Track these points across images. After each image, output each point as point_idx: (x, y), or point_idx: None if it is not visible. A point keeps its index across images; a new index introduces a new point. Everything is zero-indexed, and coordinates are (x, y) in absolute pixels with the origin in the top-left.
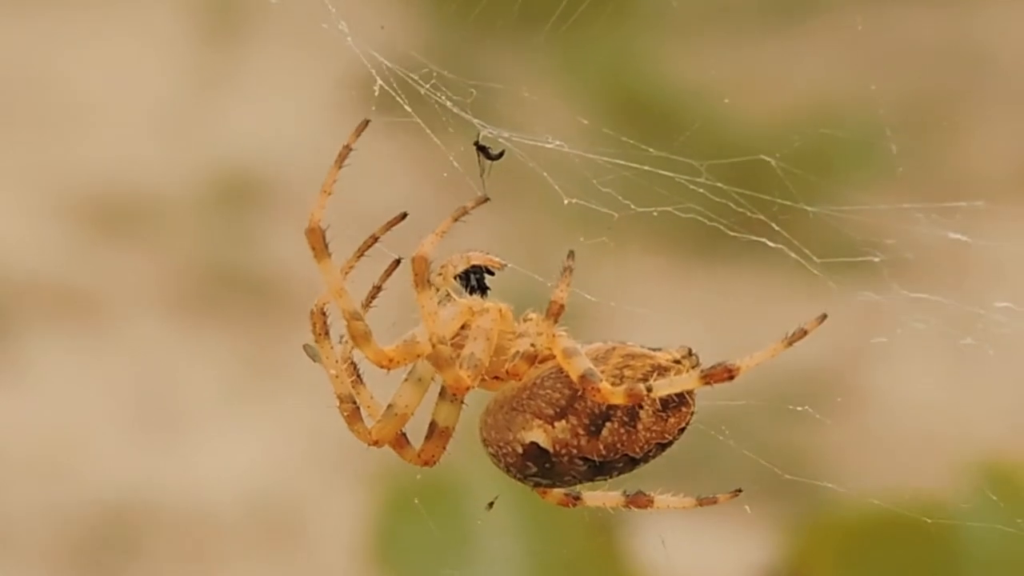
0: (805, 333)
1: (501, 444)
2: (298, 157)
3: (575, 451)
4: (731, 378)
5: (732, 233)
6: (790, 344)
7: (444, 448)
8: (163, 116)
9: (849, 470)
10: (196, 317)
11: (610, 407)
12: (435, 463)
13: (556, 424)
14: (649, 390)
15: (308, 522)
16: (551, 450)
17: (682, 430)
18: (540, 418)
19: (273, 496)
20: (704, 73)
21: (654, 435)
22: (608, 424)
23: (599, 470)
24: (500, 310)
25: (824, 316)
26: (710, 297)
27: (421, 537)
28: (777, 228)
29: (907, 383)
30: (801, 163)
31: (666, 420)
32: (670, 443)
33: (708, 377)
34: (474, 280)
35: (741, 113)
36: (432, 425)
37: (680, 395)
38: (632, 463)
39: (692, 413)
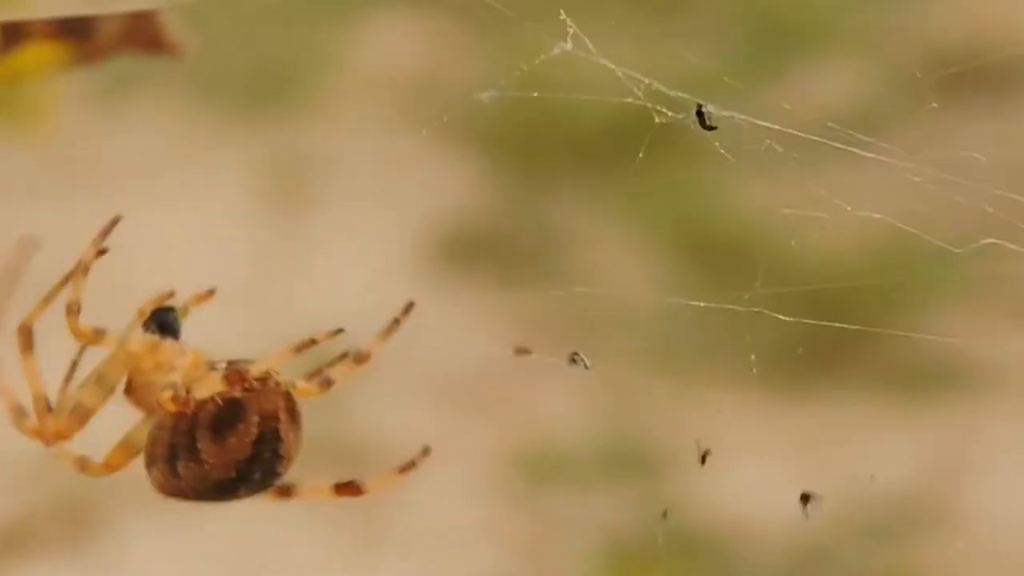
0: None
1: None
2: (373, 318)
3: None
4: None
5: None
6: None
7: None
8: (235, 286)
9: None
10: None
11: (173, 448)
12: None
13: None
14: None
15: None
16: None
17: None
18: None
19: None
20: (773, 207)
21: (223, 456)
22: (180, 464)
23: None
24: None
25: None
26: (800, 430)
27: None
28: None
29: (1007, 509)
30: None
31: (226, 443)
32: (253, 460)
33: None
34: (155, 326)
35: (812, 248)
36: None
37: (235, 412)
38: (243, 481)
39: (257, 424)
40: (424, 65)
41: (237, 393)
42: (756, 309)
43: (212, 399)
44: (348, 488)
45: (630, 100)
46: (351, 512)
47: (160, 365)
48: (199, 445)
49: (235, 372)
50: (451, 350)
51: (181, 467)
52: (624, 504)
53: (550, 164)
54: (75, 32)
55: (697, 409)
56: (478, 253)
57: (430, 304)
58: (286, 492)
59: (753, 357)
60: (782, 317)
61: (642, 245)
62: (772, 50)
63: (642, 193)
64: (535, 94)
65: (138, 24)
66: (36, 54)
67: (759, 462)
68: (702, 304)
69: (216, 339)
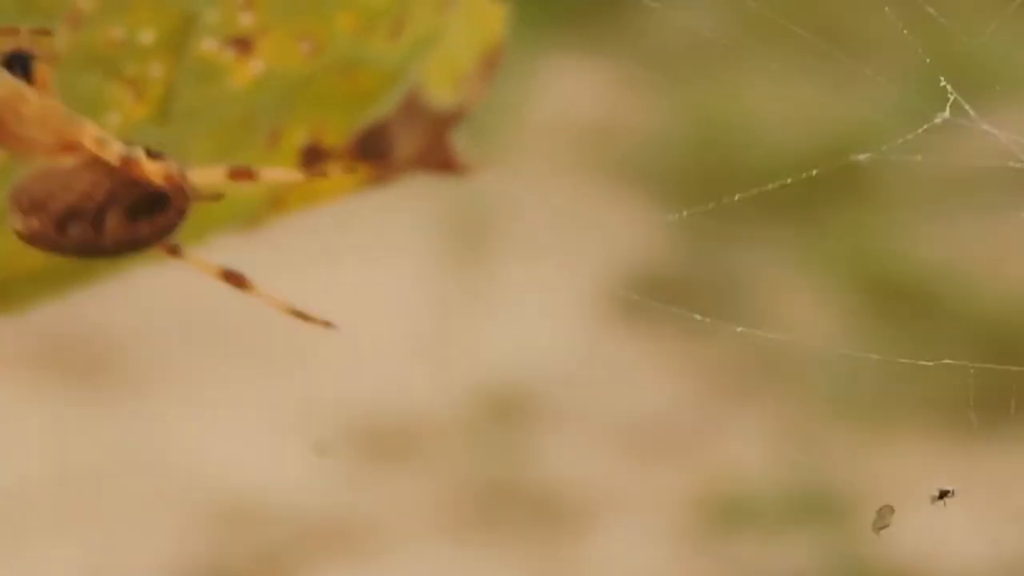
0: None
1: None
2: (557, 367)
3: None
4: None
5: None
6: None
7: None
8: (420, 339)
9: None
10: (477, 537)
11: (73, 211)
12: None
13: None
14: (183, 176)
15: None
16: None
17: (166, 231)
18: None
19: None
20: (955, 252)
21: (125, 237)
22: (71, 225)
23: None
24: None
25: None
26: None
27: None
28: None
29: None
30: None
31: (136, 228)
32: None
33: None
34: (19, 67)
35: (999, 292)
36: None
37: (159, 204)
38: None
39: (170, 218)
40: (604, 113)
41: (166, 186)
42: (940, 359)
43: (137, 182)
44: (233, 278)
45: (1012, 164)
46: (538, 557)
47: (29, 116)
48: (107, 219)
49: (171, 170)
50: (635, 397)
51: (73, 228)
52: (808, 551)
53: (731, 211)
54: (374, 153)
55: (880, 456)
56: (660, 301)
57: (613, 352)
58: (175, 251)
59: (935, 403)
60: (967, 364)
61: (826, 292)
62: None
63: (826, 238)
64: (918, 157)
65: (432, 145)
66: (336, 176)
67: (944, 512)
68: (886, 358)
69: (402, 390)
